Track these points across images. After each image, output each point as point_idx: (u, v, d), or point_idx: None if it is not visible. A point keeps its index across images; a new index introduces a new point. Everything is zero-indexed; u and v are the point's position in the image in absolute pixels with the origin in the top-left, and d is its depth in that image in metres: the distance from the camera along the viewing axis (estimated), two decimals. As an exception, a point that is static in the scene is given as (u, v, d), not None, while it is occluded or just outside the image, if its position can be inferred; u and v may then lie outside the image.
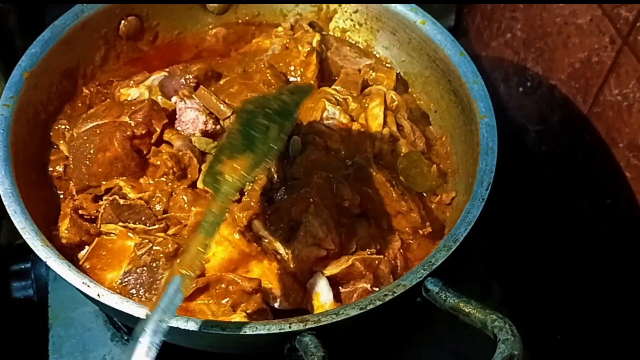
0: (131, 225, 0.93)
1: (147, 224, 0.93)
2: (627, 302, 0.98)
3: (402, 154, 1.03)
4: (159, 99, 1.04)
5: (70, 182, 0.98)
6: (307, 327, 0.76)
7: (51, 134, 1.03)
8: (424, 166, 1.03)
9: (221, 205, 0.78)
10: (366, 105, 1.06)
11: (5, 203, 0.86)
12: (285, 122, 0.86)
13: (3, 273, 1.08)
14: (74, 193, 0.97)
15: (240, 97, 1.06)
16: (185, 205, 0.95)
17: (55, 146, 1.03)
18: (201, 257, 0.74)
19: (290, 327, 0.77)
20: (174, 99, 1.06)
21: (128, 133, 0.97)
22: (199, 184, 0.97)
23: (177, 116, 1.04)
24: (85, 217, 0.95)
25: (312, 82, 1.12)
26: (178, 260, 0.75)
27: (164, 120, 1.01)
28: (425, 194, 1.03)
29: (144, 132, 0.98)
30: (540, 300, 1.17)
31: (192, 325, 0.76)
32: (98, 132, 0.98)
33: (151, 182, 0.97)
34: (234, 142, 0.84)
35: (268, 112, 0.87)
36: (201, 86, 1.06)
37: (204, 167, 0.98)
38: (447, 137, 1.09)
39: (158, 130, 1.00)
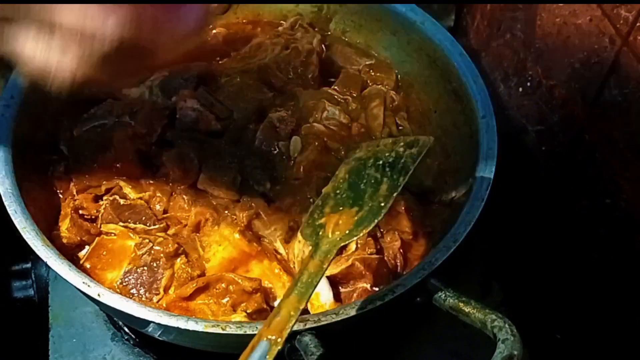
0: (131, 225, 0.93)
1: (148, 224, 0.93)
2: (627, 302, 0.98)
3: (402, 154, 1.03)
4: (160, 99, 1.04)
5: (71, 182, 0.98)
6: (307, 327, 0.76)
7: (51, 134, 1.03)
8: (423, 166, 1.03)
9: (319, 264, 0.69)
10: (366, 105, 1.06)
11: (5, 203, 0.86)
12: (400, 179, 0.76)
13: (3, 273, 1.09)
14: (75, 193, 0.97)
15: (240, 97, 1.06)
16: (186, 205, 0.95)
17: (55, 146, 1.03)
18: (293, 322, 0.65)
19: (290, 327, 0.77)
20: (174, 99, 1.06)
21: (129, 133, 0.97)
22: (199, 185, 0.98)
23: (177, 116, 1.04)
24: (85, 217, 0.95)
25: (312, 82, 1.12)
26: (265, 323, 0.67)
27: (164, 121, 1.01)
28: (425, 194, 1.03)
29: (144, 132, 0.98)
30: (540, 300, 1.16)
31: (192, 325, 0.76)
32: (98, 132, 0.98)
33: (151, 182, 0.97)
34: (339, 193, 0.78)
35: (379, 164, 0.79)
36: (201, 86, 1.06)
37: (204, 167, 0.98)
38: (447, 137, 1.09)
39: (158, 130, 1.00)
